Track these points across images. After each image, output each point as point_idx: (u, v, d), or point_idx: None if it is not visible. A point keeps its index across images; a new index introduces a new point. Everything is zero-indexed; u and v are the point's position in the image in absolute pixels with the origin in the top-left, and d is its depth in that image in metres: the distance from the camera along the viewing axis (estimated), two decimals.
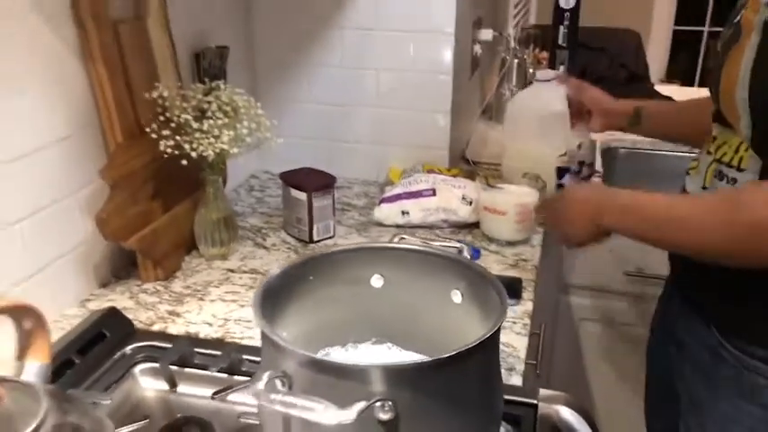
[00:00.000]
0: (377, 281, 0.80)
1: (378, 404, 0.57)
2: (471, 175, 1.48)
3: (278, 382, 0.60)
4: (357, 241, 1.28)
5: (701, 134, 0.99)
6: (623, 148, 1.98)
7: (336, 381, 0.58)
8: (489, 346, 0.64)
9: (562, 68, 2.09)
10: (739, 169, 0.87)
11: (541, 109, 1.40)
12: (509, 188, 1.30)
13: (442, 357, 0.58)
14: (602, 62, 2.57)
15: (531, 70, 1.96)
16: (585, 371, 1.61)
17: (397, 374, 0.58)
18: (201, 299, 1.10)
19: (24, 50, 0.93)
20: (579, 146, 1.43)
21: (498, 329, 0.63)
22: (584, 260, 1.55)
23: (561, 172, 1.42)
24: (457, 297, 0.76)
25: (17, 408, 0.60)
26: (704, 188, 0.94)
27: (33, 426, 0.58)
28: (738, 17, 0.89)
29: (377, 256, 0.79)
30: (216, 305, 1.08)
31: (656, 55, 3.91)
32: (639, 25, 2.90)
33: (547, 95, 1.40)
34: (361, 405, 0.55)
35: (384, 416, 0.58)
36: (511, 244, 1.28)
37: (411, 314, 0.79)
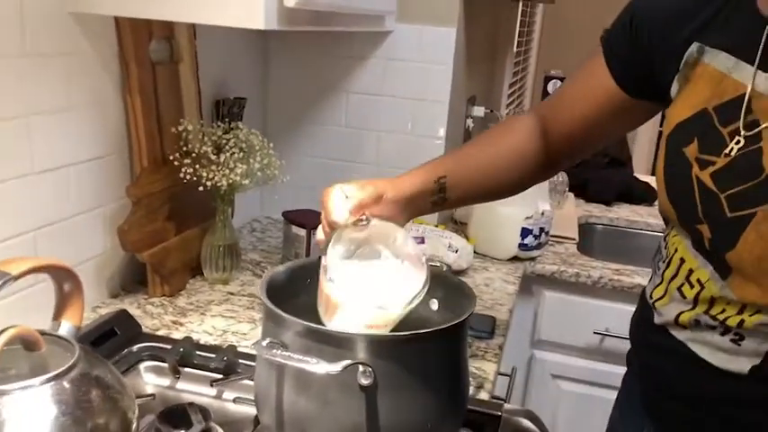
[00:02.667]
0: None
1: (360, 368, 0.68)
2: (457, 231, 1.61)
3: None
4: None
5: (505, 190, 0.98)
6: (600, 224, 2.12)
7: (326, 347, 0.69)
8: (457, 332, 0.75)
9: None
10: (739, 330, 0.73)
11: None
12: None
13: (418, 332, 0.69)
14: None
15: None
16: (556, 422, 1.68)
17: (377, 344, 0.69)
18: (203, 313, 1.20)
19: (75, 78, 1.07)
20: (543, 213, 1.58)
21: (466, 320, 0.74)
22: (555, 317, 1.65)
23: (525, 232, 1.57)
24: (434, 305, 0.87)
25: (52, 355, 0.71)
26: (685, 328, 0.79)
27: (64, 368, 0.68)
28: (735, 150, 0.70)
29: None
30: (216, 319, 1.18)
31: (642, 148, 4.14)
32: None
33: None
34: (345, 362, 0.65)
35: (365, 381, 0.68)
36: (488, 286, 1.40)
37: None
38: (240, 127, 1.28)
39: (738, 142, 0.69)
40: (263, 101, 1.72)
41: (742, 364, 0.73)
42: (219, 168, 1.21)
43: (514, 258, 1.60)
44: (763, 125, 0.68)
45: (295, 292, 0.86)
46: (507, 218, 1.57)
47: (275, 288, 0.81)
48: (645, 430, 0.87)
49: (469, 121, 1.95)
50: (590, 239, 2.07)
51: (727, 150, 0.70)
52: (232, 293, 1.30)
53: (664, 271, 0.82)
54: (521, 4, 2.84)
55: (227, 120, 1.39)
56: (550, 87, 2.19)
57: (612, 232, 2.11)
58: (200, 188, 1.20)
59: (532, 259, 1.63)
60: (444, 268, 0.89)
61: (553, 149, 0.95)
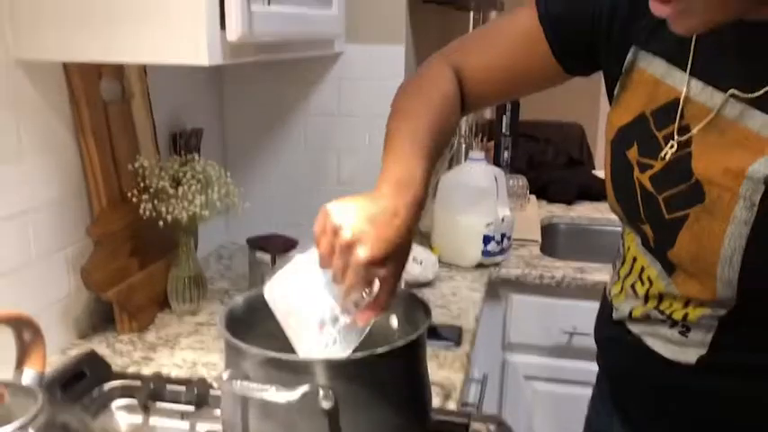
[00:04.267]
0: None
1: (321, 392, 0.69)
2: (421, 242, 1.64)
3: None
4: None
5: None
6: (563, 224, 2.16)
7: (286, 375, 0.70)
8: (416, 348, 0.78)
9: (507, 154, 2.31)
10: (685, 322, 0.76)
11: (471, 184, 1.60)
12: None
13: (375, 353, 0.71)
14: (547, 152, 2.82)
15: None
16: (533, 424, 1.71)
17: (336, 367, 0.71)
18: (172, 347, 1.21)
19: (26, 124, 1.08)
20: (503, 219, 1.62)
21: (423, 335, 0.77)
22: (524, 319, 1.69)
23: (486, 239, 1.60)
24: (394, 321, 0.89)
25: (17, 405, 0.72)
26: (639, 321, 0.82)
27: (28, 417, 0.69)
28: (669, 154, 0.72)
29: None
30: (185, 352, 1.19)
31: (603, 146, 4.21)
32: (588, 119, 3.18)
33: (477, 172, 1.60)
34: (304, 388, 0.67)
35: (326, 404, 0.70)
36: (455, 295, 1.42)
37: None
38: (196, 159, 1.30)
39: (672, 146, 0.72)
40: (222, 130, 1.74)
41: (689, 355, 0.77)
42: (178, 201, 1.23)
43: (479, 265, 1.64)
44: (693, 130, 0.71)
45: (255, 322, 0.87)
46: (468, 227, 1.60)
47: (235, 319, 0.83)
48: (615, 422, 0.91)
49: None
50: (554, 239, 2.11)
51: (662, 154, 0.73)
52: (201, 324, 1.31)
53: (620, 269, 0.87)
54: (472, 12, 2.89)
55: (183, 152, 1.40)
56: None
57: (575, 230, 2.16)
58: (161, 222, 1.21)
59: (497, 264, 1.66)
60: (402, 285, 0.91)
61: (466, 102, 0.89)
